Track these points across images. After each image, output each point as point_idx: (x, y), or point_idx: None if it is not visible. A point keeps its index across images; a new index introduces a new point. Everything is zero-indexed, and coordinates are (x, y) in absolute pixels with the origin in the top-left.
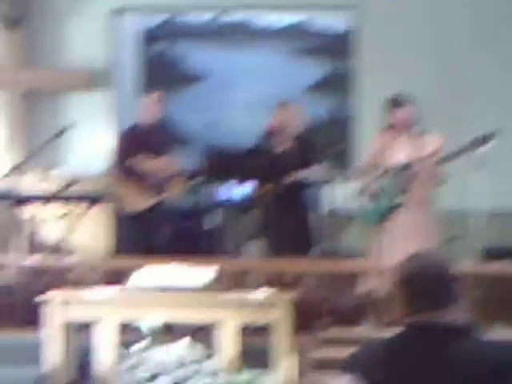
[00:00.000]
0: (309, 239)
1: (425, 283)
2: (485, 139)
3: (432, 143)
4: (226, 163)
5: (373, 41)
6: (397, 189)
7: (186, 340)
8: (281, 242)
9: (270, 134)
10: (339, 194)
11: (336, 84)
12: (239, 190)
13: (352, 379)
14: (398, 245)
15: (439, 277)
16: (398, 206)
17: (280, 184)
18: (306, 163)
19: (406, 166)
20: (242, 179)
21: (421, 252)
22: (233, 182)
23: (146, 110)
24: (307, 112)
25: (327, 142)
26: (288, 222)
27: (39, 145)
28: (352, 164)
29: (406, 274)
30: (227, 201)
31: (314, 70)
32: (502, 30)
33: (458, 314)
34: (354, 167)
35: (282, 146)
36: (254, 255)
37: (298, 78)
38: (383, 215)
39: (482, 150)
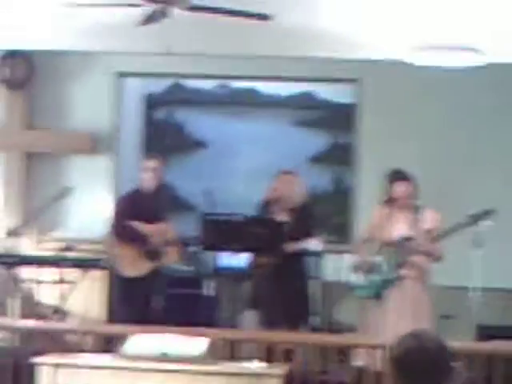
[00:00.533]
0: (305, 310)
1: (418, 363)
2: (482, 216)
3: (429, 219)
4: (224, 231)
5: (373, 114)
6: (395, 263)
7: None
8: (276, 313)
9: (269, 203)
10: (338, 267)
11: (338, 155)
12: (236, 259)
13: None
14: (392, 320)
15: (432, 359)
16: (396, 279)
17: (278, 254)
18: (304, 234)
19: (405, 240)
20: (240, 248)
21: (416, 330)
22: (230, 250)
23: (146, 175)
24: (309, 182)
25: (329, 213)
26: (284, 293)
27: (38, 207)
28: (352, 236)
29: (400, 352)
30: (224, 269)
31: (316, 140)
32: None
33: None
34: (353, 240)
35: (281, 215)
36: (248, 326)
37: (300, 148)
38: (380, 289)
39: (480, 226)
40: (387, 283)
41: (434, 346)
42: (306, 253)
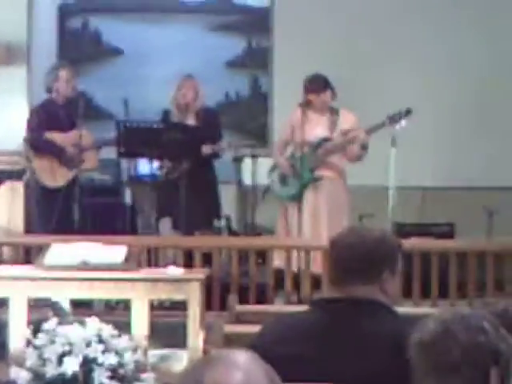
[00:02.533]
0: (217, 214)
1: (344, 252)
2: (401, 116)
3: (346, 120)
4: (141, 138)
5: (288, 17)
6: (313, 163)
7: (95, 319)
8: (189, 218)
9: (177, 108)
10: (256, 170)
11: (254, 59)
12: (151, 166)
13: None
14: (309, 220)
15: (363, 250)
16: (314, 180)
17: (194, 159)
18: (214, 138)
19: (324, 141)
20: (157, 154)
21: (359, 226)
22: (146, 157)
23: (58, 85)
24: (225, 87)
25: (246, 118)
26: (196, 198)
27: None
28: (270, 139)
29: (333, 242)
30: (140, 177)
31: (232, 45)
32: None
33: (373, 294)
34: (271, 143)
35: (187, 120)
36: (166, 233)
37: (216, 54)
38: (298, 190)
39: (399, 126)
40: (306, 184)
41: (370, 238)
42: (216, 156)
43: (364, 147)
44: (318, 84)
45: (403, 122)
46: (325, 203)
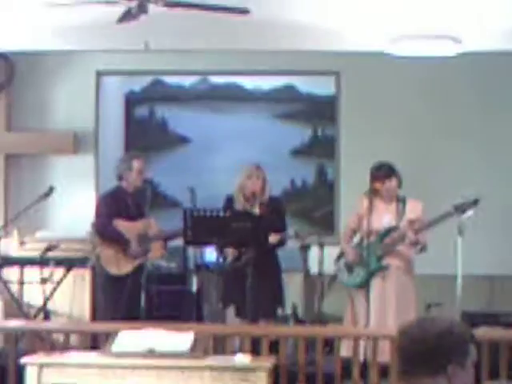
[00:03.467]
0: (282, 302)
1: (410, 346)
2: (469, 205)
3: (412, 209)
4: (207, 226)
5: (354, 106)
6: (381, 252)
7: None
8: (255, 306)
9: (243, 196)
10: (322, 258)
11: (320, 148)
12: (218, 254)
13: None
14: (377, 310)
15: (428, 342)
16: (381, 269)
17: (260, 248)
18: (279, 226)
19: (392, 229)
20: (224, 242)
21: (427, 316)
22: (212, 245)
23: (131, 175)
24: (292, 176)
25: (312, 206)
26: (262, 286)
27: (22, 207)
28: (336, 227)
29: (399, 334)
30: (207, 265)
31: (298, 133)
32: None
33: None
34: (337, 231)
35: (253, 208)
36: (233, 320)
37: (282, 142)
38: (366, 279)
39: (466, 215)
40: (373, 273)
41: (432, 330)
42: (280, 245)
43: (415, 245)
44: (383, 171)
45: (470, 212)
46: (392, 292)
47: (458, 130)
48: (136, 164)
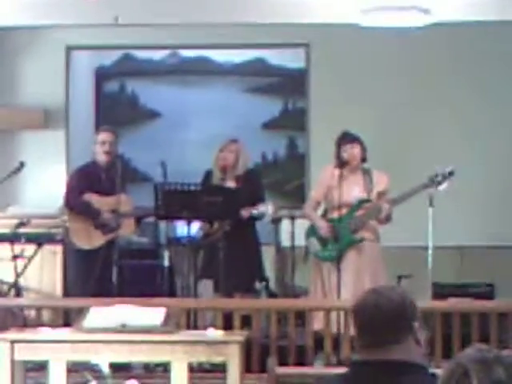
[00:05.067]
0: (258, 276)
1: (373, 317)
2: (444, 177)
3: (379, 180)
4: (179, 201)
5: (324, 78)
6: (354, 225)
7: (135, 381)
8: (229, 280)
9: (213, 172)
10: (294, 231)
11: (291, 121)
12: (190, 228)
13: None
14: (350, 282)
15: (389, 312)
16: (357, 242)
17: (232, 221)
18: (254, 200)
19: (364, 201)
20: (195, 216)
21: (379, 287)
22: (184, 219)
23: (99, 148)
24: (263, 149)
25: (284, 179)
26: (237, 260)
27: None
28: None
29: (357, 307)
30: (179, 239)
31: (269, 106)
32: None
33: (407, 353)
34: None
35: (228, 183)
36: (205, 294)
37: (253, 115)
38: (341, 252)
39: (441, 187)
40: (347, 246)
41: (393, 300)
42: (257, 218)
43: (388, 218)
44: (346, 138)
45: (445, 184)
46: (367, 265)
47: (431, 102)
48: (99, 136)
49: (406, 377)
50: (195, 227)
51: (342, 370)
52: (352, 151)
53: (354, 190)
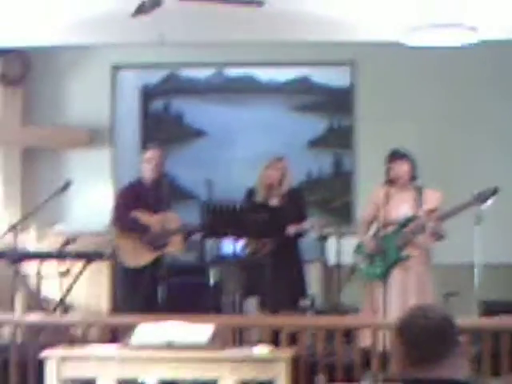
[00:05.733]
0: (303, 293)
1: (422, 334)
2: (489, 194)
3: (430, 198)
4: (225, 219)
5: (370, 96)
6: (400, 242)
7: None
8: (274, 298)
9: (256, 190)
10: (340, 249)
11: (337, 138)
12: (236, 246)
13: None
14: (397, 300)
15: (437, 328)
16: (402, 259)
17: (278, 239)
18: (298, 218)
19: (411, 219)
20: (240, 234)
21: (422, 304)
22: (230, 237)
23: (146, 166)
24: (308, 167)
25: (330, 197)
26: (281, 278)
27: (39, 202)
28: (354, 218)
29: (405, 324)
30: (225, 257)
31: (314, 124)
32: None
33: (455, 369)
34: (355, 222)
35: (272, 201)
36: (252, 312)
37: (298, 133)
38: (386, 270)
39: (485, 204)
40: (394, 264)
41: (438, 317)
42: (302, 235)
43: (436, 235)
44: (395, 155)
45: (489, 201)
46: (413, 282)
47: (475, 119)
48: (146, 154)
49: None
50: (240, 245)
51: None
52: (401, 168)
53: (402, 208)
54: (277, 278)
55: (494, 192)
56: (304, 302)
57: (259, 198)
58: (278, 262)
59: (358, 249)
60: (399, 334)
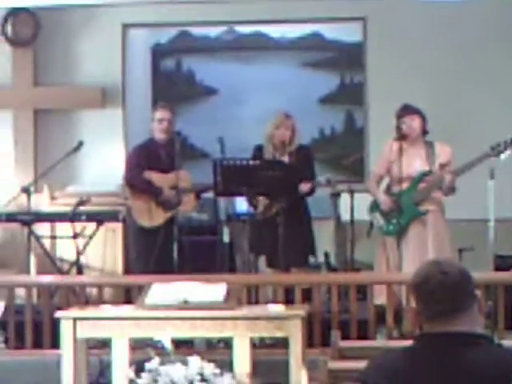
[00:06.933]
0: (312, 250)
1: (439, 288)
2: (504, 147)
3: (443, 152)
4: (238, 176)
5: (381, 52)
6: (418, 197)
7: (197, 357)
8: (286, 255)
9: (272, 146)
10: (353, 205)
11: (348, 95)
12: (248, 204)
13: None
14: (414, 256)
15: (454, 282)
16: (422, 214)
17: (292, 197)
18: (308, 175)
19: (426, 174)
20: (252, 192)
21: (437, 258)
22: (243, 195)
23: (157, 126)
24: (320, 124)
25: (342, 153)
26: (293, 235)
27: (52, 163)
28: (366, 174)
29: (421, 279)
30: (238, 215)
31: (325, 81)
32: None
33: (472, 323)
34: (368, 178)
35: (283, 157)
36: (264, 270)
37: (310, 90)
38: (405, 225)
39: (503, 156)
40: (412, 219)
41: (455, 271)
42: (312, 194)
43: (451, 189)
44: (406, 110)
45: (507, 153)
46: (431, 237)
47: (486, 75)
48: (156, 114)
49: (474, 348)
50: (245, 205)
51: (404, 343)
52: (411, 123)
53: (415, 163)
54: (287, 236)
55: (510, 144)
56: (313, 260)
57: (267, 155)
58: (289, 220)
59: (374, 206)
60: (415, 288)
